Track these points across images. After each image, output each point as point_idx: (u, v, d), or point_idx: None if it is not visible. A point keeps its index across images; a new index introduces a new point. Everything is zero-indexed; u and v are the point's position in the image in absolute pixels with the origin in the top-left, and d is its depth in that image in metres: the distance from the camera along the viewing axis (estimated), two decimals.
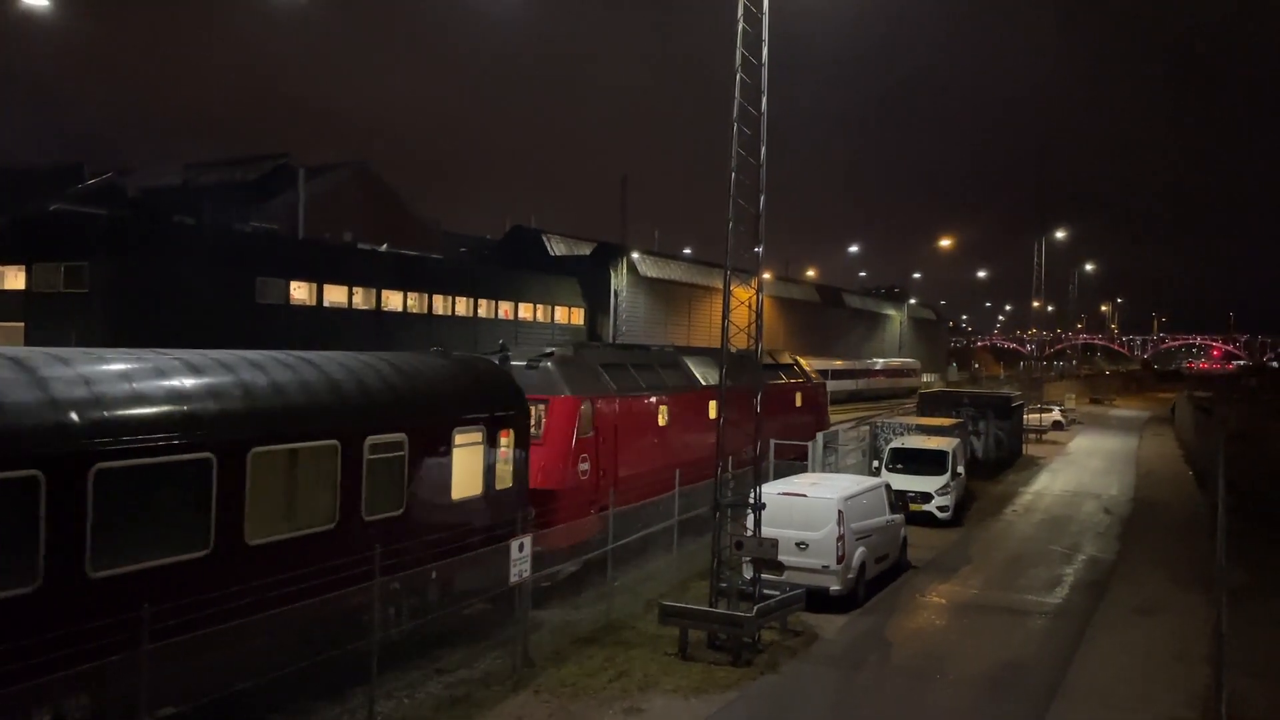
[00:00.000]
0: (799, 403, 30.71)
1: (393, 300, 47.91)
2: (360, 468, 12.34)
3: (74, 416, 9.30)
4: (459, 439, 14.12)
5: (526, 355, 18.87)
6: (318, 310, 43.39)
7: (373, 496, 12.52)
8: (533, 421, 16.62)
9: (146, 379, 10.36)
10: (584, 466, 18.12)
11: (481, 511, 14.53)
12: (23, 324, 36.36)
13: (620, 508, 16.20)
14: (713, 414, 20.01)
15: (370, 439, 12.50)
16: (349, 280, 45.41)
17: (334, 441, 12.05)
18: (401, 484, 13.05)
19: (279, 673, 10.54)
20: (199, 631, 9.69)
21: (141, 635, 8.81)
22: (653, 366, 22.26)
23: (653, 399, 21.13)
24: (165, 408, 10.24)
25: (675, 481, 18.11)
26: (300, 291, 43.02)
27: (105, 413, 9.63)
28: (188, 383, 10.70)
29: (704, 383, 23.23)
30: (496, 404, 15.20)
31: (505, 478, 15.15)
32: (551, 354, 18.95)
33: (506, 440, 15.26)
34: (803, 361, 35.15)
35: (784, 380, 30.36)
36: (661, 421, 21.28)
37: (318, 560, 11.30)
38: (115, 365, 10.31)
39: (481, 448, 14.62)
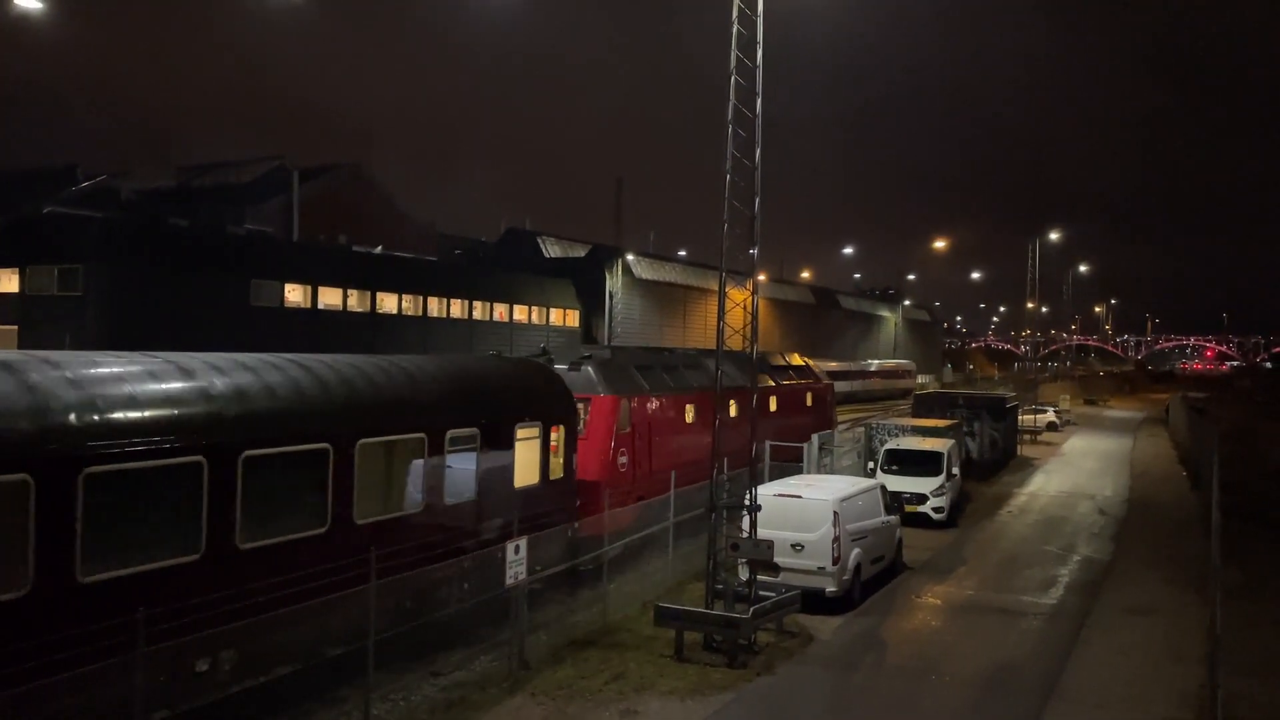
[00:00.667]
0: (809, 402, 32.02)
1: (388, 302, 47.85)
2: (442, 458, 13.86)
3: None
4: (520, 433, 15.63)
5: (568, 358, 20.38)
6: (312, 312, 43.32)
7: (451, 484, 13.98)
8: None
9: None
10: (623, 460, 19.62)
11: (538, 499, 15.72)
12: (16, 327, 36.26)
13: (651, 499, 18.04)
14: (733, 411, 22.22)
15: (450, 433, 13.98)
16: (344, 283, 45.34)
17: (421, 435, 13.50)
18: (473, 473, 14.51)
19: (280, 673, 10.55)
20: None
21: (137, 638, 8.79)
22: (679, 367, 23.85)
23: (681, 397, 22.58)
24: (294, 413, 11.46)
25: (671, 484, 18.14)
26: (295, 294, 42.95)
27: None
28: (317, 383, 12.12)
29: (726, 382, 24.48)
30: (550, 402, 16.79)
31: (557, 469, 16.66)
32: (590, 357, 20.60)
33: (558, 435, 16.74)
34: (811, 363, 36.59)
35: (796, 381, 31.81)
36: (689, 418, 22.70)
37: (409, 539, 12.83)
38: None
39: (538, 441, 16.10)
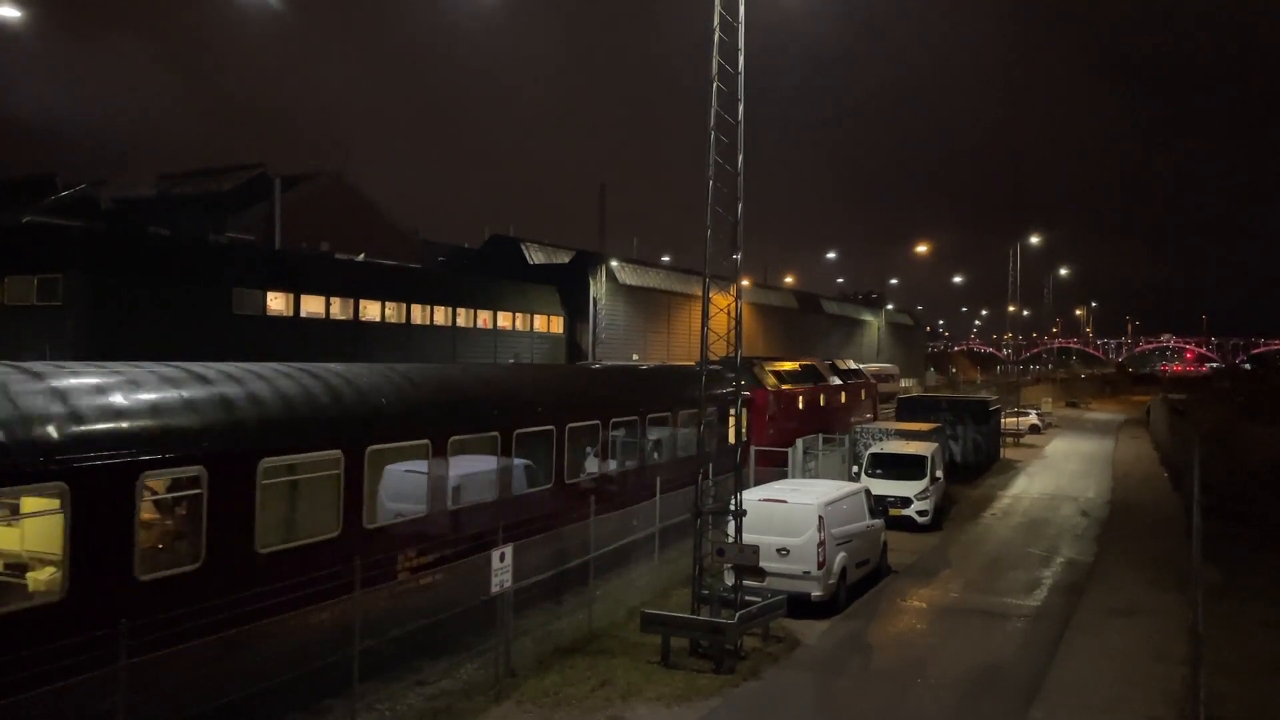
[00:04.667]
0: (863, 396, 44.05)
1: (371, 310, 47.62)
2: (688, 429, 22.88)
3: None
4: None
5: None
6: (295, 321, 43.09)
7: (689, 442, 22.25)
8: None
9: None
10: (771, 431, 30.21)
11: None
12: None
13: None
14: (822, 402, 36.71)
15: (650, 415, 21.90)
16: (326, 290, 45.12)
17: (634, 417, 21.07)
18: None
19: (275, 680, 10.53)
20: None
21: (120, 651, 8.74)
22: (804, 371, 37.01)
23: (795, 390, 34.52)
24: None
25: (656, 489, 18.16)
26: (277, 302, 42.69)
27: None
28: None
29: (829, 382, 39.17)
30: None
31: (743, 434, 23.98)
32: (754, 361, 31.98)
33: (742, 413, 23.48)
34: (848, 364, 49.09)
35: (852, 381, 43.31)
36: (800, 405, 34.45)
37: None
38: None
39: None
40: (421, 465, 14.11)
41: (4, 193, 50.42)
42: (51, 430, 9.31)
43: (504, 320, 57.26)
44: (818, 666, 14.52)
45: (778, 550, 16.63)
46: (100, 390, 10.16)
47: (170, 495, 10.72)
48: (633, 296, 67.77)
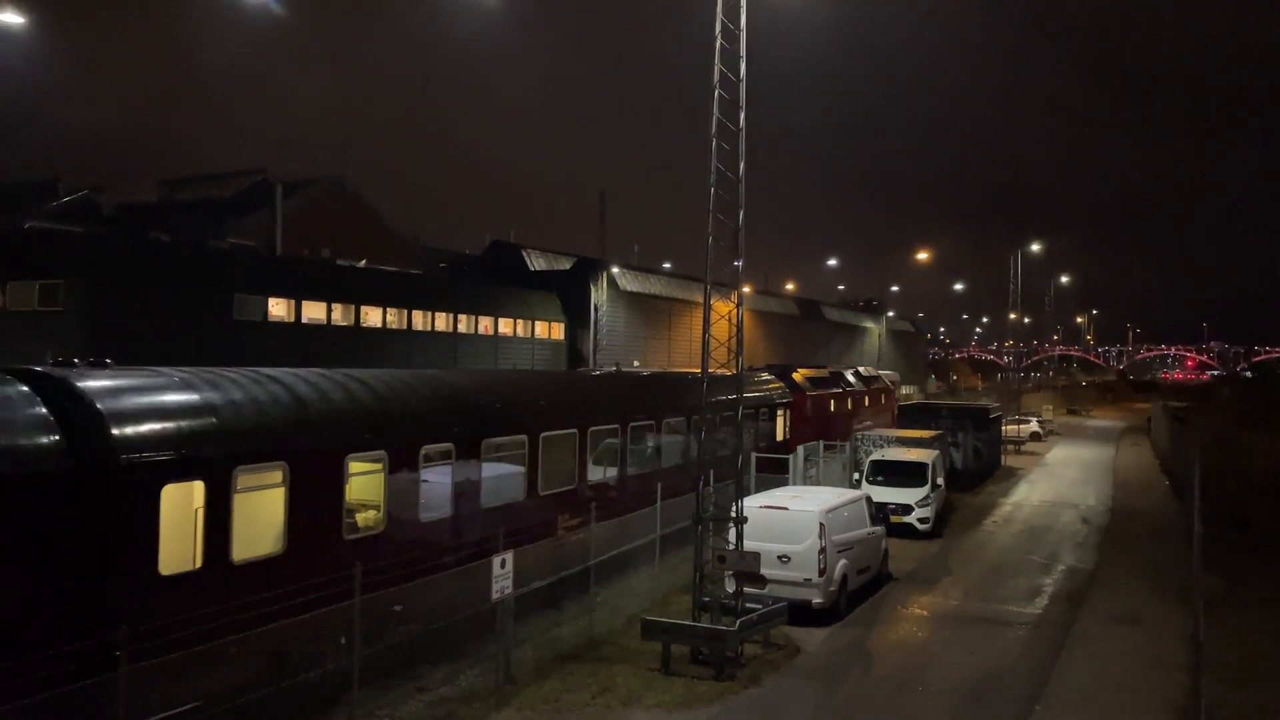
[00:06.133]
0: (883, 400, 47.66)
1: (372, 316, 47.63)
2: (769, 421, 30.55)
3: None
4: (778, 412, 32.47)
5: (774, 373, 35.32)
6: (296, 327, 43.12)
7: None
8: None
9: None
10: (808, 431, 32.71)
11: (781, 444, 28.28)
12: None
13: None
14: (849, 405, 40.90)
15: (758, 412, 29.20)
16: (327, 296, 45.15)
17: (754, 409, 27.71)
18: (777, 427, 32.00)
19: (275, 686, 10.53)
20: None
21: (121, 660, 8.76)
22: (831, 377, 40.83)
23: (825, 395, 38.08)
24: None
25: (657, 495, 18.16)
26: (278, 308, 42.70)
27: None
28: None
29: (855, 386, 43.02)
30: (783, 397, 33.13)
31: (785, 432, 32.41)
32: (789, 369, 37.04)
33: (784, 414, 32.72)
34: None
35: (873, 386, 47.16)
36: (832, 409, 38.16)
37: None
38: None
39: (780, 416, 32.40)
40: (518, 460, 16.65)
41: (6, 198, 50.44)
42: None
43: (505, 326, 57.26)
44: (818, 674, 14.50)
45: (778, 557, 16.62)
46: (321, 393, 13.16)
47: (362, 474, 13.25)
48: (634, 303, 67.78)
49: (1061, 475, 41.17)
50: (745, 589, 15.32)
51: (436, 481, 14.58)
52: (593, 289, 63.07)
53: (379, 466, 13.42)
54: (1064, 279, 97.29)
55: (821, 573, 16.72)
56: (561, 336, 62.22)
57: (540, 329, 60.50)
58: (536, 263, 69.00)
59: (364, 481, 13.37)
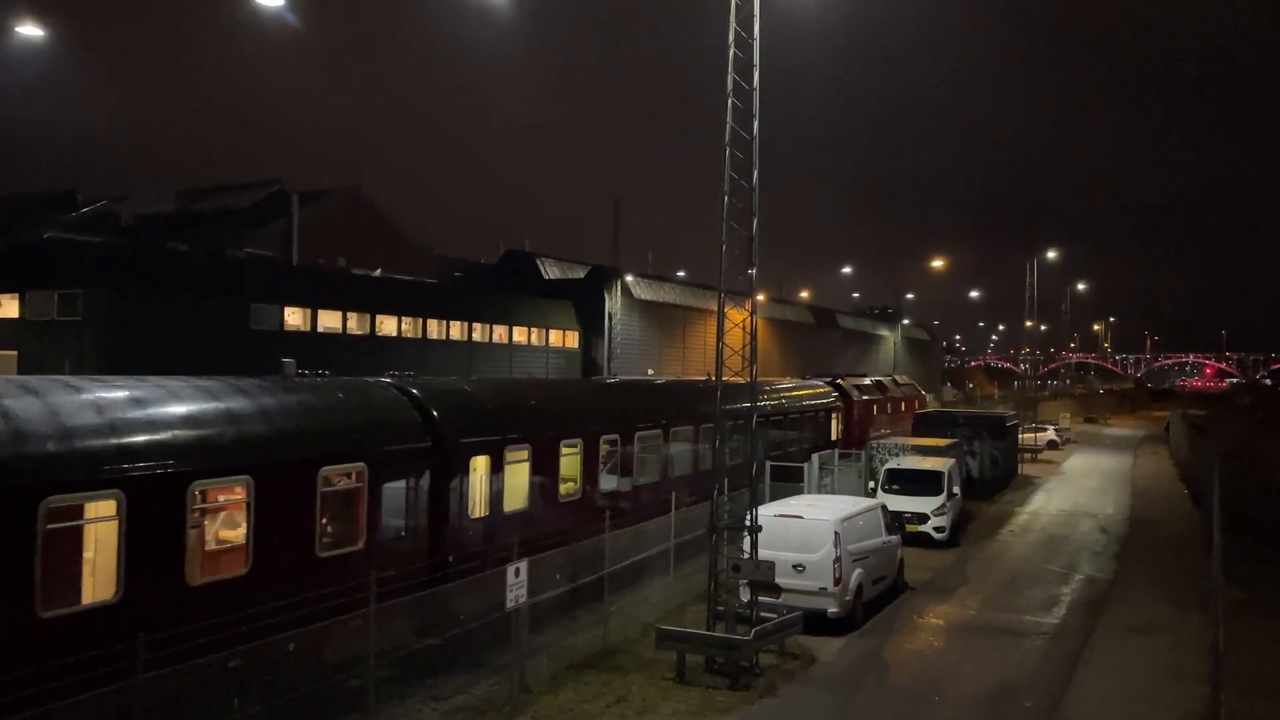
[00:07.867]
0: (917, 406, 51.01)
1: (387, 325, 47.82)
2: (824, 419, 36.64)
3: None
4: (833, 415, 37.90)
5: (824, 380, 40.56)
6: (312, 335, 43.33)
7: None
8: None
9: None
10: (856, 432, 38.47)
11: (835, 441, 34.58)
12: (15, 352, 36.24)
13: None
14: (889, 409, 45.27)
15: (818, 415, 35.96)
16: (343, 305, 45.37)
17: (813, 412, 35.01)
18: (829, 425, 37.55)
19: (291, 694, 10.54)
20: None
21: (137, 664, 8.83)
22: (873, 385, 45.93)
23: (871, 399, 43.08)
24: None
25: (672, 504, 18.14)
26: (295, 317, 42.93)
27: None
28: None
29: (893, 393, 48.05)
30: (835, 401, 38.55)
31: (836, 433, 37.66)
32: (839, 377, 42.35)
33: (837, 416, 38.27)
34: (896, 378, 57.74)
35: (905, 393, 51.53)
36: (874, 412, 42.86)
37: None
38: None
39: (832, 419, 37.74)
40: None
41: (26, 209, 50.94)
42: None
43: (519, 335, 57.40)
44: (834, 684, 14.44)
45: (794, 566, 16.57)
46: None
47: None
48: (648, 311, 67.79)
49: (1079, 484, 40.90)
50: (760, 598, 15.27)
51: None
52: (607, 297, 63.12)
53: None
54: (1081, 286, 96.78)
55: (837, 581, 16.66)
56: (576, 345, 62.29)
57: (555, 337, 60.60)
58: (551, 271, 69.13)
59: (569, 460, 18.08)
